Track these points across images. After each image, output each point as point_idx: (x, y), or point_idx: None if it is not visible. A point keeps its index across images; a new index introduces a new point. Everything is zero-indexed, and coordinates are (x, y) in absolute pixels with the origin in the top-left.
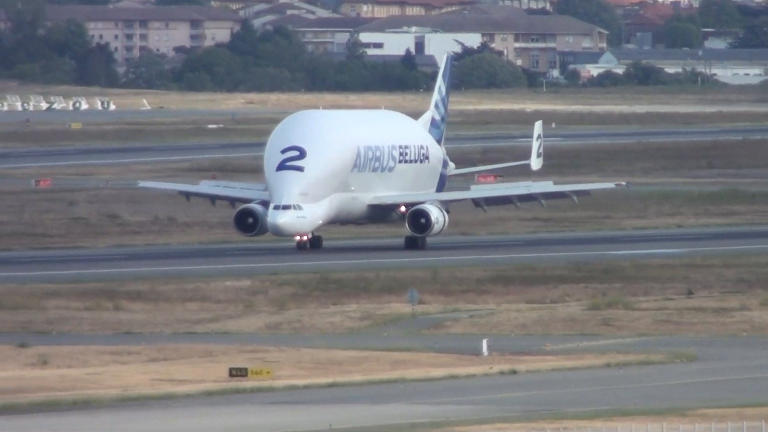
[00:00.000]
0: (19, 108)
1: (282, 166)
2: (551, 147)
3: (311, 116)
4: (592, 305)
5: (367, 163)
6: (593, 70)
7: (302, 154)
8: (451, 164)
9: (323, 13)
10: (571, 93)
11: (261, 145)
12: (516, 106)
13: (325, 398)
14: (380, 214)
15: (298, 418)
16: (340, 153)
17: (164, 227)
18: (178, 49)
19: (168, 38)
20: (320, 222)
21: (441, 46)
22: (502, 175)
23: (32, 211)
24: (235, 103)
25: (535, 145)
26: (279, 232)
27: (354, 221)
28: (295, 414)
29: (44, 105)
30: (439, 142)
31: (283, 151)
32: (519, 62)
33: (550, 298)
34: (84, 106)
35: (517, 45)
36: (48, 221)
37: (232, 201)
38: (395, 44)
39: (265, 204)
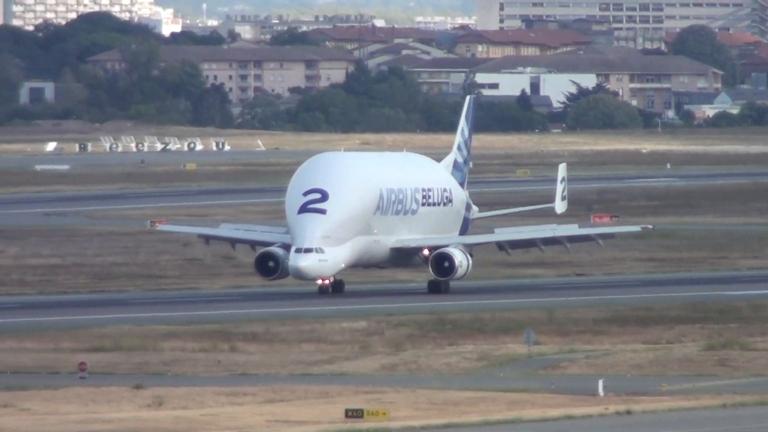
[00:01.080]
0: (134, 149)
1: (304, 209)
2: (667, 187)
3: (333, 158)
4: (708, 346)
5: (390, 205)
6: (708, 110)
7: (324, 196)
8: (475, 207)
9: (438, 53)
10: (687, 133)
11: None
12: (631, 147)
13: None
14: (403, 257)
15: None
16: (363, 195)
17: None
18: (293, 90)
19: (283, 78)
20: (342, 266)
21: (556, 87)
22: (617, 216)
23: (147, 252)
24: (350, 143)
25: (560, 188)
26: (301, 276)
27: (376, 265)
28: None
29: (159, 146)
30: (462, 184)
31: (305, 194)
32: (634, 102)
33: (666, 339)
34: (199, 146)
35: (632, 85)
36: (163, 262)
37: (253, 244)
38: (510, 84)
39: (287, 247)
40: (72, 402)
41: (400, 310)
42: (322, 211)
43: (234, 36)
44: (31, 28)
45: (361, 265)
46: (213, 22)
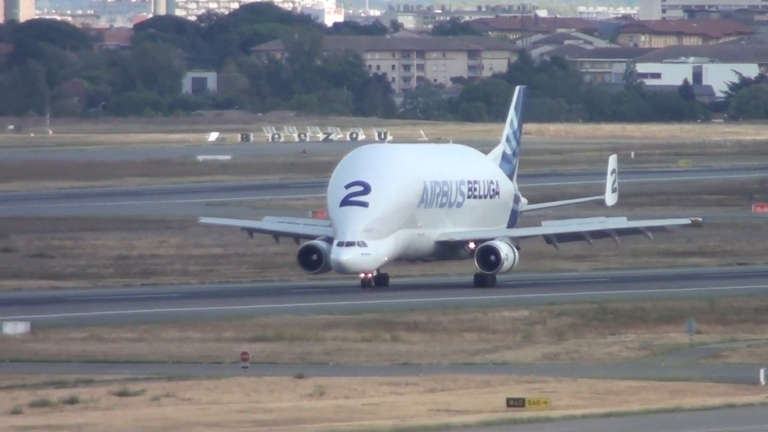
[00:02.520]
0: (296, 139)
1: (346, 202)
2: None
3: (376, 150)
4: None
5: (435, 198)
6: None
7: (367, 189)
8: (524, 200)
9: (601, 43)
10: None
11: (538, 176)
12: None
13: (603, 428)
14: (449, 250)
15: None
16: (406, 188)
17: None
18: (456, 80)
19: (445, 68)
20: (385, 259)
21: (719, 77)
22: None
23: None
24: None
25: (610, 180)
26: (343, 270)
27: (421, 258)
28: None
29: (321, 136)
30: (510, 177)
31: (347, 186)
32: None
33: None
34: (361, 136)
35: None
36: None
37: (296, 237)
38: (673, 74)
39: (330, 240)
40: (234, 392)
41: (561, 300)
42: (365, 204)
43: (396, 26)
44: (193, 18)
45: (406, 258)
46: (375, 12)
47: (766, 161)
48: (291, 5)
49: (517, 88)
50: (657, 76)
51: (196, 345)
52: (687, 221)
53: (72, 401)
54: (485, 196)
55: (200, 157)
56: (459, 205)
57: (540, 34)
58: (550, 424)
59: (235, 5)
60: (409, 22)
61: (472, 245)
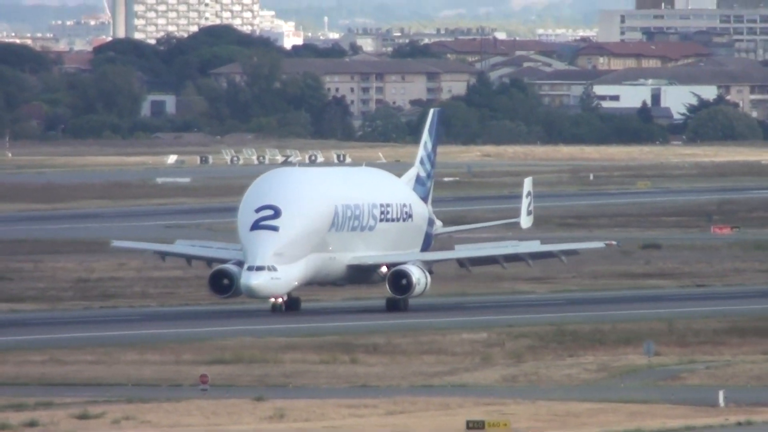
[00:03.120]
0: (255, 161)
1: (256, 226)
2: None
3: (287, 174)
4: None
5: (346, 222)
6: None
7: (277, 213)
8: (438, 222)
9: (559, 65)
10: None
11: (499, 198)
12: (752, 158)
13: None
14: (361, 274)
15: None
16: (317, 212)
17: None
18: (415, 102)
19: (404, 91)
20: (296, 283)
21: (677, 98)
22: (738, 227)
23: None
24: (471, 155)
25: (525, 202)
26: (253, 294)
27: (333, 282)
28: None
29: (280, 158)
30: (425, 199)
31: (258, 210)
32: (755, 114)
33: None
34: (320, 159)
35: (753, 97)
36: None
37: (209, 261)
38: (631, 96)
39: (241, 264)
40: (193, 414)
41: (520, 322)
42: (275, 228)
43: (356, 49)
44: (153, 41)
45: (318, 282)
46: (334, 35)
47: (724, 183)
48: (250, 28)
49: (431, 110)
50: (616, 98)
51: (155, 367)
52: (601, 244)
53: (32, 424)
54: (398, 219)
55: (159, 180)
56: (371, 228)
57: (499, 56)
58: None
59: (195, 28)
60: (368, 44)
61: (384, 269)
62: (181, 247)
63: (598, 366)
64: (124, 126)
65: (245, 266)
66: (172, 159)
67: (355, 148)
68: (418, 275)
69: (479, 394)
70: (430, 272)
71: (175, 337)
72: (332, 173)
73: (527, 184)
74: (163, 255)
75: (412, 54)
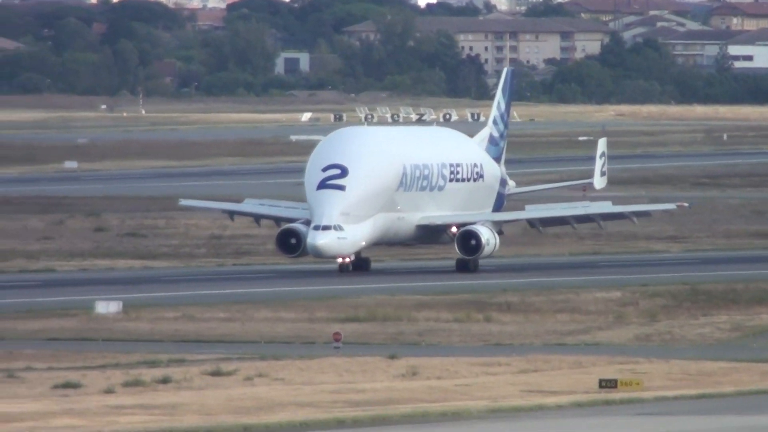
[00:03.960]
0: (389, 119)
1: (323, 185)
2: None
3: (354, 133)
4: None
5: (415, 181)
6: None
7: (344, 172)
8: (511, 182)
9: (693, 25)
10: None
11: (631, 158)
12: None
13: (696, 409)
14: (430, 234)
15: (666, 429)
16: (384, 171)
17: (534, 239)
18: (549, 61)
19: (538, 50)
20: (363, 243)
21: None
22: None
23: None
24: (605, 115)
25: (599, 163)
26: (319, 254)
27: (402, 242)
28: (663, 425)
29: (414, 116)
30: (498, 160)
31: (324, 169)
32: None
33: None
34: (454, 117)
35: None
36: None
37: (277, 220)
38: (765, 57)
39: (309, 224)
40: (326, 372)
41: (654, 281)
42: (341, 188)
43: (490, 7)
44: None
45: (386, 242)
46: None
47: None
48: None
49: (505, 70)
50: (749, 58)
51: (288, 325)
52: (673, 206)
53: (165, 381)
54: (468, 179)
55: (293, 137)
56: (441, 188)
57: (633, 15)
58: (643, 405)
59: None
60: (502, 3)
61: (454, 229)
62: (249, 206)
63: (732, 325)
64: (258, 83)
65: (311, 226)
66: (306, 116)
67: (489, 107)
68: (487, 236)
69: (612, 353)
70: (500, 233)
71: (308, 295)
72: (401, 132)
73: (601, 144)
74: (232, 214)
75: (545, 13)
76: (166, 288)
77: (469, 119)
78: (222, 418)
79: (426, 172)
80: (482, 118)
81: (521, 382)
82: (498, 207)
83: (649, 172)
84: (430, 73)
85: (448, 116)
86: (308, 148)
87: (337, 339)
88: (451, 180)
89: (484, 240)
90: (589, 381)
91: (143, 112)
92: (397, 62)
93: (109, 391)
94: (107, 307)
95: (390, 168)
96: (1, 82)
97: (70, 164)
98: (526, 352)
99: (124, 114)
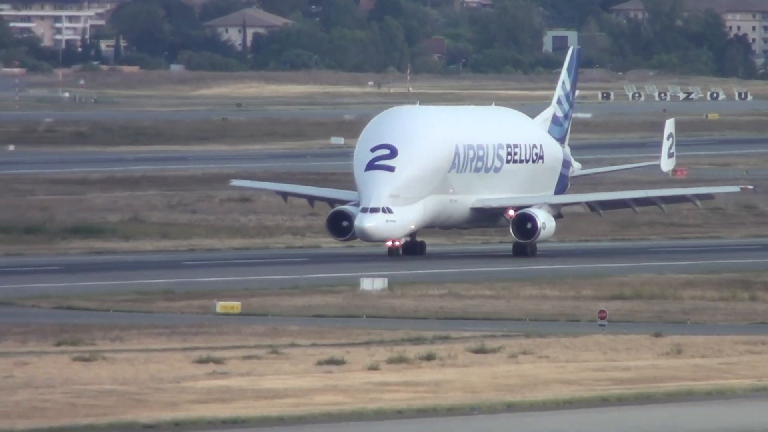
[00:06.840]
0: (657, 98)
1: (371, 166)
2: None
3: (405, 112)
4: None
5: (468, 162)
6: None
7: (393, 152)
8: (576, 164)
9: None
10: None
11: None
12: None
13: None
14: (486, 218)
15: None
16: (436, 152)
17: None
18: None
19: None
20: (413, 227)
21: None
22: None
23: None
24: None
25: (666, 144)
26: (366, 237)
27: (456, 226)
28: None
29: (681, 95)
30: (561, 140)
31: (373, 150)
32: None
33: None
34: (722, 96)
35: None
36: (686, 212)
37: (331, 202)
38: None
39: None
40: (591, 350)
41: None
42: (391, 168)
43: None
44: None
45: (438, 225)
46: None
47: None
48: None
49: (571, 48)
50: None
51: (554, 302)
52: (737, 189)
53: (429, 357)
54: (527, 161)
55: None
56: (497, 169)
57: None
58: None
59: None
60: None
61: (511, 212)
62: (302, 186)
63: None
64: (526, 61)
65: (360, 207)
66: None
67: (757, 86)
68: (543, 219)
69: None
70: (560, 216)
71: (574, 273)
72: (454, 112)
73: (668, 125)
74: (285, 195)
75: None
76: (431, 266)
77: (737, 98)
78: (486, 395)
79: (480, 153)
80: (749, 97)
81: None
82: (561, 189)
83: None
84: (697, 53)
85: (715, 95)
86: (576, 125)
87: (602, 317)
88: (508, 161)
89: (540, 223)
90: None
91: (410, 89)
92: (665, 41)
93: (373, 367)
94: (372, 283)
95: (441, 148)
96: (270, 57)
97: (336, 140)
98: None
99: (391, 90)
